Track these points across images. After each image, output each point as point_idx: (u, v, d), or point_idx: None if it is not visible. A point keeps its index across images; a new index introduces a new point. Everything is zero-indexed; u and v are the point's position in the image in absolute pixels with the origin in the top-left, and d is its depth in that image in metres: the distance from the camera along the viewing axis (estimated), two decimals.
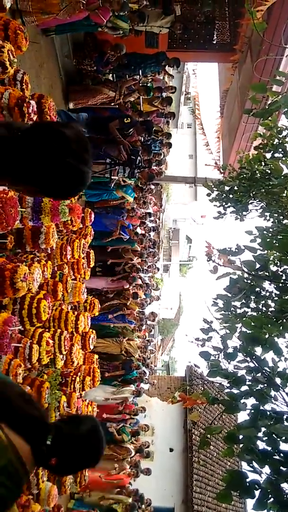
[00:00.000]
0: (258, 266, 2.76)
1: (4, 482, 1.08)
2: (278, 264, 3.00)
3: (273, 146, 4.01)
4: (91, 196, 7.56)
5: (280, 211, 3.75)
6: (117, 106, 7.21)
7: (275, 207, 3.81)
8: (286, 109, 3.00)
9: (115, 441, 7.67)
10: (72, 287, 5.45)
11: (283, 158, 3.93)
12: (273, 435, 1.88)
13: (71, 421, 1.42)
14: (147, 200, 8.91)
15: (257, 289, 2.95)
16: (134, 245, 8.32)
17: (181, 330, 30.71)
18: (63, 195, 1.42)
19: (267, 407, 2.09)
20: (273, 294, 2.95)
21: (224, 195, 4.52)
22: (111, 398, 8.01)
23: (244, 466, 1.94)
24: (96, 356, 6.34)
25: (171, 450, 11.09)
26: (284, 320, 2.54)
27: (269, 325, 2.35)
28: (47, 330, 4.54)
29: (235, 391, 2.19)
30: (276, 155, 4.05)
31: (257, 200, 4.21)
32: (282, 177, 3.57)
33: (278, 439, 1.90)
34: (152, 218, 9.99)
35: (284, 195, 3.61)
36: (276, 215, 3.86)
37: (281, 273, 2.90)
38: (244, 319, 2.60)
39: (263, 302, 2.98)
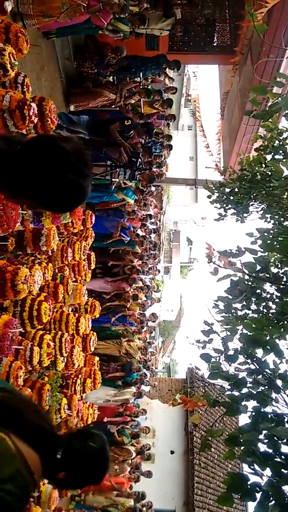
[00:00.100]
0: (259, 268, 2.75)
1: (12, 490, 1.07)
2: (279, 266, 3.00)
3: (274, 148, 4.01)
4: (92, 198, 7.56)
5: (280, 213, 3.75)
6: (118, 109, 7.22)
7: (275, 209, 3.81)
8: (286, 111, 3.00)
9: (116, 443, 7.65)
10: (73, 289, 5.45)
11: (284, 160, 3.93)
12: (274, 438, 1.88)
13: (82, 436, 1.41)
14: (148, 202, 8.92)
15: (258, 291, 2.95)
16: (135, 247, 8.32)
17: (182, 332, 30.70)
18: (62, 209, 1.42)
19: (268, 409, 2.09)
20: (274, 296, 2.95)
21: (225, 197, 4.52)
22: (112, 400, 8.00)
23: (245, 468, 1.94)
24: (97, 358, 6.33)
25: (172, 452, 11.07)
26: (285, 322, 2.54)
27: (270, 327, 2.35)
28: (48, 332, 4.54)
29: (236, 393, 2.19)
30: (277, 157, 4.06)
31: (258, 202, 4.21)
32: (283, 179, 3.57)
33: (280, 442, 1.89)
34: (152, 220, 10.00)
35: (285, 197, 3.61)
36: (277, 217, 3.86)
37: (282, 275, 2.90)
38: (245, 321, 2.60)
39: (264, 304, 2.97)
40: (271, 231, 3.28)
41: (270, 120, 3.55)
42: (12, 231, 3.54)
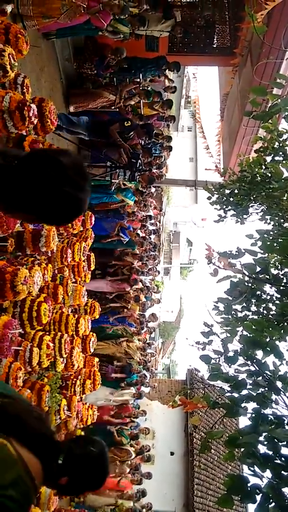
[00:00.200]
0: (258, 269, 2.75)
1: (13, 496, 1.07)
2: (279, 267, 3.00)
3: (274, 150, 4.01)
4: (91, 199, 7.56)
5: (280, 214, 3.75)
6: (118, 110, 7.22)
7: (275, 210, 3.81)
8: (286, 113, 3.00)
9: (115, 443, 7.64)
10: (73, 290, 5.45)
11: (284, 161, 3.93)
12: (274, 439, 1.87)
13: (82, 441, 1.42)
14: (148, 203, 8.92)
15: (258, 292, 2.94)
16: (134, 248, 8.32)
17: (182, 333, 30.69)
18: (60, 222, 1.42)
19: (268, 411, 2.08)
20: (274, 297, 2.94)
21: (225, 198, 4.52)
22: (112, 400, 7.99)
23: (245, 470, 1.93)
24: (96, 359, 6.32)
25: (172, 453, 11.06)
26: (285, 324, 2.53)
27: (270, 329, 2.34)
28: (47, 333, 4.53)
29: (235, 395, 2.18)
30: (277, 158, 4.06)
31: (258, 203, 4.21)
32: (283, 180, 3.57)
33: (279, 444, 1.89)
34: (152, 221, 10.00)
35: (285, 198, 3.61)
36: (276, 218, 3.86)
37: (282, 276, 2.89)
38: (245, 322, 2.59)
39: (264, 305, 2.97)
40: (271, 233, 3.28)
41: (270, 121, 3.55)
42: (12, 232, 3.54)
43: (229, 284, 2.86)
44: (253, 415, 2.03)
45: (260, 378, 2.21)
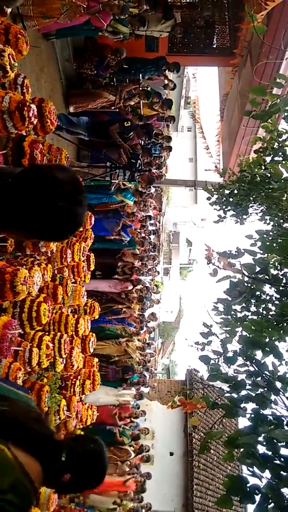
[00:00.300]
0: (258, 269, 2.75)
1: (12, 500, 1.08)
2: (279, 268, 3.00)
3: (273, 150, 4.01)
4: (91, 199, 7.56)
5: (280, 214, 3.75)
6: (117, 110, 7.22)
7: (275, 211, 3.81)
8: (286, 114, 3.00)
9: (115, 443, 7.64)
10: (72, 291, 5.45)
11: (283, 162, 3.93)
12: (274, 440, 1.87)
13: (82, 439, 1.45)
14: (148, 203, 8.92)
15: (257, 292, 2.94)
16: (135, 248, 8.32)
17: (182, 334, 30.70)
18: (57, 238, 1.44)
19: (268, 411, 2.08)
20: (274, 298, 2.94)
21: (224, 198, 4.52)
22: (114, 398, 7.98)
23: (245, 470, 1.93)
24: (96, 360, 6.32)
25: (171, 454, 11.05)
26: (285, 324, 2.54)
27: (270, 329, 2.34)
28: (47, 333, 4.53)
29: (235, 395, 2.18)
30: (276, 158, 4.06)
31: (257, 204, 4.21)
32: (282, 180, 3.57)
33: (279, 444, 1.89)
34: (152, 221, 10.00)
35: (284, 198, 3.61)
36: (276, 218, 3.86)
37: (281, 277, 2.89)
38: (244, 322, 2.60)
39: (263, 305, 2.97)
40: (271, 233, 3.28)
41: (269, 121, 3.55)
42: None
43: (228, 284, 2.87)
44: (253, 415, 2.03)
45: (260, 378, 2.21)
